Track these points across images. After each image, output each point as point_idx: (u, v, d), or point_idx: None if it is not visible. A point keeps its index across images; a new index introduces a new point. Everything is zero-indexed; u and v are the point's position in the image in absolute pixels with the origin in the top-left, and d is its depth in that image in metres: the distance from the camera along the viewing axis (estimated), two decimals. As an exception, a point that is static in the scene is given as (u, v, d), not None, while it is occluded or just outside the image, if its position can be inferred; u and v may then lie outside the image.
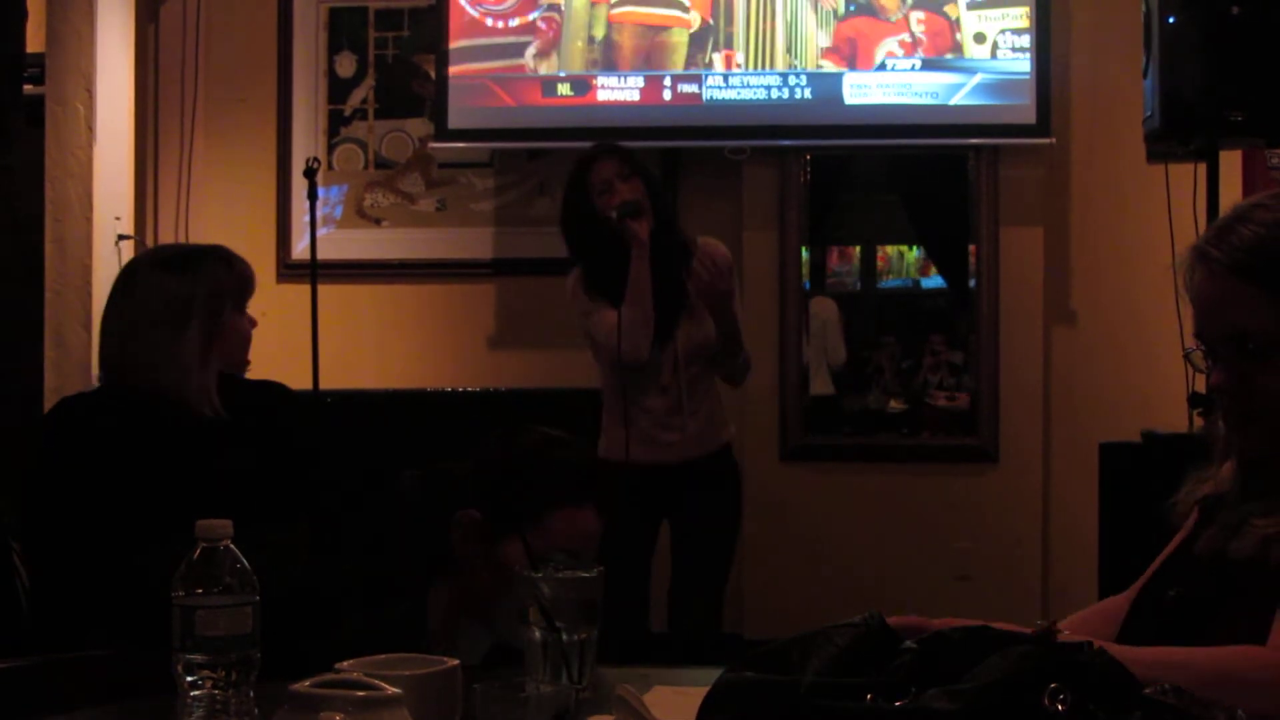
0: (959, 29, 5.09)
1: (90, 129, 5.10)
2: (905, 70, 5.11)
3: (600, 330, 3.82)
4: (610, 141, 4.02)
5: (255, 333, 2.79)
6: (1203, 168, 4.10)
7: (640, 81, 5.14)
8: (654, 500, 3.92)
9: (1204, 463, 1.81)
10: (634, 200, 3.76)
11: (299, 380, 4.52)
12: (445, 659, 1.52)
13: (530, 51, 5.20)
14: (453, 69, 5.21)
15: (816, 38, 5.11)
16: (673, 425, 3.88)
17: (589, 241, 3.86)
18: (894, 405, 5.53)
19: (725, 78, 5.14)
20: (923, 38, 5.10)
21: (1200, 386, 1.72)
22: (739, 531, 4.08)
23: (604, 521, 2.10)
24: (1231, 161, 4.77)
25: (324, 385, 4.52)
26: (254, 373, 2.81)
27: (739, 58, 5.12)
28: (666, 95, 5.14)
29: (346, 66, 5.52)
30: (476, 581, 2.05)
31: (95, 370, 3.44)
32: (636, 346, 3.76)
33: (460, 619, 2.08)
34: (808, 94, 5.12)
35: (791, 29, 5.11)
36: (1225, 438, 1.75)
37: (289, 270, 5.45)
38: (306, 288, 4.38)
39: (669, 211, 3.98)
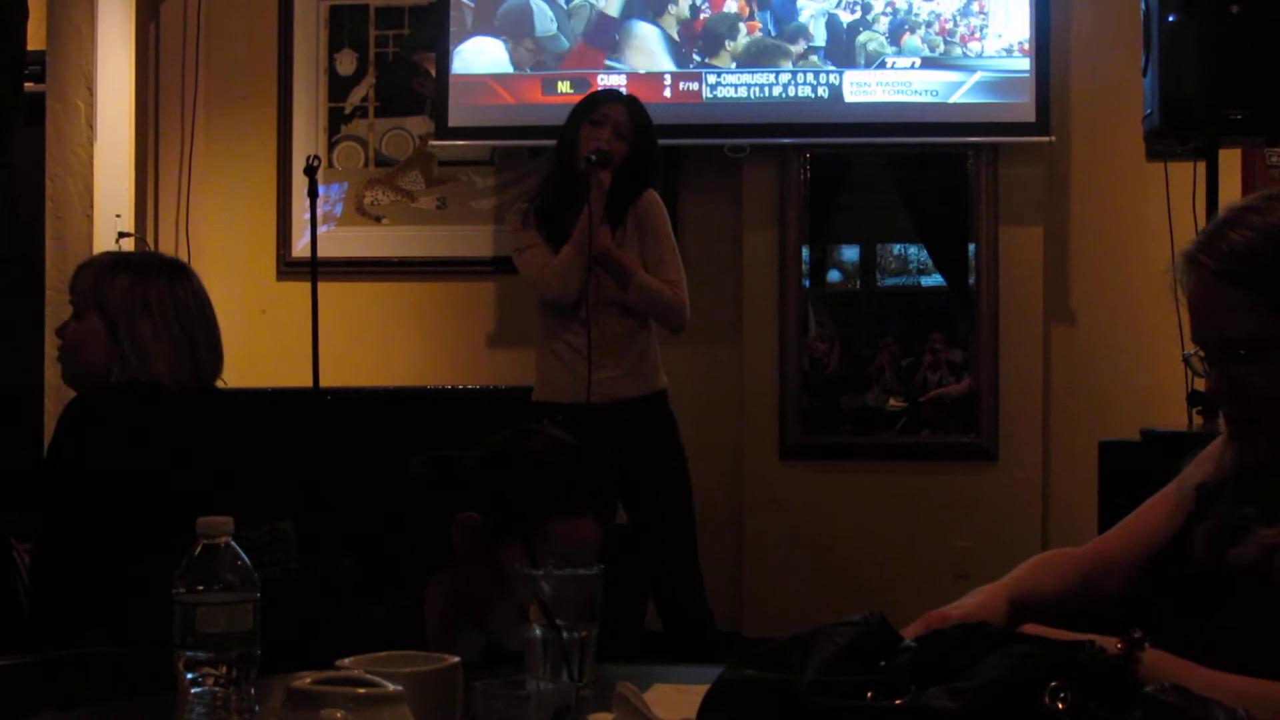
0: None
1: (91, 126, 5.09)
2: (905, 69, 5.11)
3: (528, 268, 4.01)
4: (635, 98, 4.14)
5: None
6: (1202, 166, 4.11)
7: (640, 79, 5.13)
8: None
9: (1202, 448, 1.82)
10: (606, 150, 3.89)
11: (299, 378, 4.52)
12: (446, 656, 1.52)
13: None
14: (453, 66, 5.21)
15: None
16: (593, 362, 3.92)
17: (559, 170, 4.01)
18: (893, 404, 5.53)
19: (725, 75, 5.14)
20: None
21: (1200, 386, 1.72)
22: (689, 481, 4.06)
23: (604, 530, 2.08)
24: (1231, 160, 4.77)
25: (324, 383, 4.51)
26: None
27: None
28: (666, 93, 5.13)
29: (347, 64, 5.52)
30: (474, 583, 2.04)
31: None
32: (567, 287, 3.91)
33: (457, 619, 2.07)
34: (807, 92, 5.12)
35: None
36: (1225, 441, 1.75)
37: (289, 268, 5.45)
38: (307, 285, 4.38)
39: (649, 176, 4.05)
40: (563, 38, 5.22)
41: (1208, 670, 1.48)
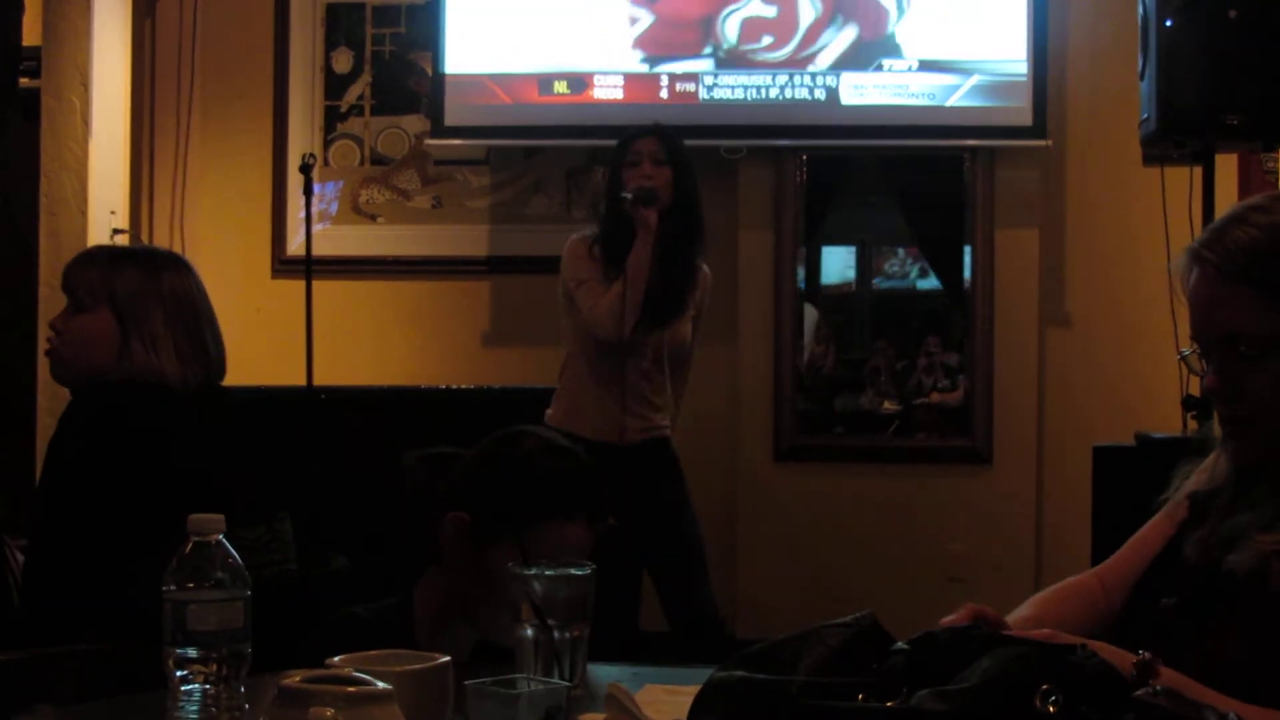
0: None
1: (86, 123, 5.09)
2: (902, 71, 5.11)
3: (585, 301, 3.91)
4: (662, 125, 4.12)
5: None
6: (1198, 171, 4.11)
7: (637, 80, 5.13)
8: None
9: (1196, 458, 1.81)
10: (649, 188, 3.87)
11: (294, 376, 4.52)
12: (436, 655, 1.51)
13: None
14: (449, 66, 5.21)
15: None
16: (631, 409, 3.93)
17: (610, 211, 3.98)
18: (888, 406, 5.53)
19: (721, 76, 5.13)
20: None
21: (1195, 388, 1.72)
22: (690, 499, 4.09)
23: (595, 534, 2.07)
24: (1227, 165, 4.77)
25: (318, 381, 4.51)
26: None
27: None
28: (663, 94, 5.13)
29: (343, 62, 5.51)
30: (463, 582, 2.03)
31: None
32: (619, 327, 3.85)
33: (447, 617, 2.07)
34: (804, 94, 5.12)
35: None
36: (1220, 441, 1.75)
37: (284, 266, 5.44)
38: (301, 283, 4.38)
39: (694, 207, 4.02)
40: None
41: (1222, 697, 1.46)
